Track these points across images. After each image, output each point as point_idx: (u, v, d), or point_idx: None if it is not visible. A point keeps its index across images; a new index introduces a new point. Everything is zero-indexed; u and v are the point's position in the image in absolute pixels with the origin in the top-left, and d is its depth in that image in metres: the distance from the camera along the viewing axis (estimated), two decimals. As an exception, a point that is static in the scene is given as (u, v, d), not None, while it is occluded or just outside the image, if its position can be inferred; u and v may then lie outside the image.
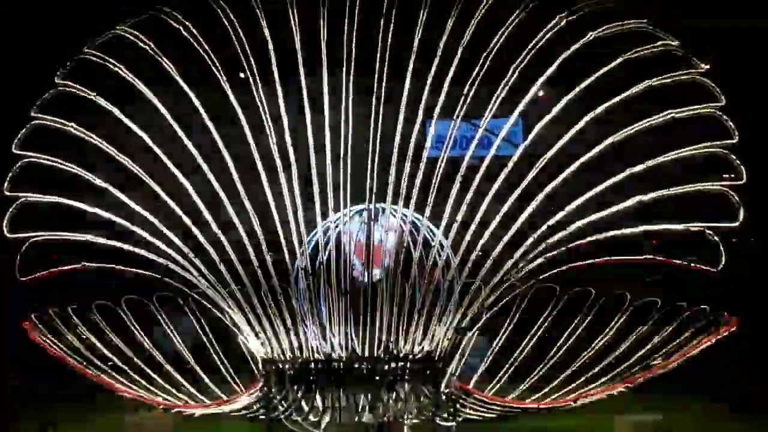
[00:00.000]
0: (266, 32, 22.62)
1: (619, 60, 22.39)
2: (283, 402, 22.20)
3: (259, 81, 22.49)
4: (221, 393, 23.20)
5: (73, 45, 24.17)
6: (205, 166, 22.43)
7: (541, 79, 22.48)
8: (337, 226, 22.63)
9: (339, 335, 22.08)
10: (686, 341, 22.72)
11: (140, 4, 24.00)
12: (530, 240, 22.29)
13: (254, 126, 22.47)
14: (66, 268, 22.96)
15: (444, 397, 22.38)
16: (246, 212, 22.18)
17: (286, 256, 22.20)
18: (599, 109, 22.25)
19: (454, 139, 22.62)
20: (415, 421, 22.49)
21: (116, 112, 22.81)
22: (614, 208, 22.32)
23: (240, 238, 22.19)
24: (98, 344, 23.29)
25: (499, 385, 23.53)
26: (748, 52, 28.86)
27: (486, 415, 22.98)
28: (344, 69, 22.50)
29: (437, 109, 22.23)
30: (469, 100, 22.30)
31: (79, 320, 23.63)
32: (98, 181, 22.74)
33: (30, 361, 25.66)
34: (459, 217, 22.23)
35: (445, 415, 22.49)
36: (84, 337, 23.28)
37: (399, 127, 22.23)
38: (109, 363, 23.17)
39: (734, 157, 22.23)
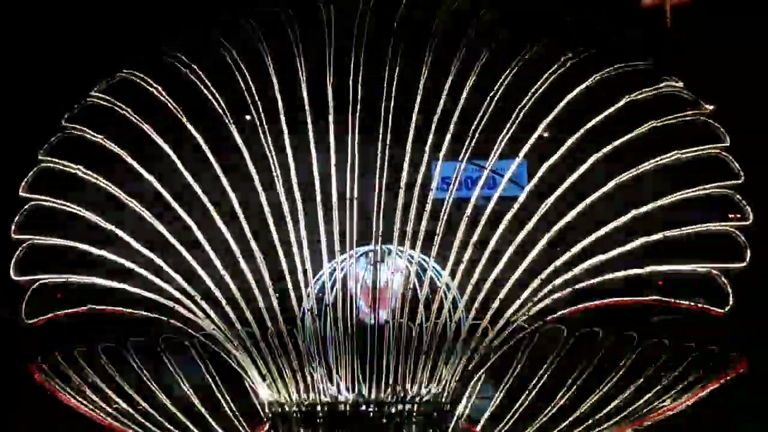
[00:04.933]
0: (275, 83, 22.94)
1: (624, 101, 22.59)
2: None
3: (266, 126, 22.69)
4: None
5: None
6: (212, 208, 22.52)
7: (546, 121, 22.67)
8: (343, 268, 22.52)
9: (346, 378, 22.00)
10: (695, 382, 22.58)
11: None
12: (537, 281, 22.28)
13: (261, 169, 22.61)
14: (72, 311, 22.91)
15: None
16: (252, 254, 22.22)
17: (293, 297, 22.17)
18: (605, 150, 22.42)
19: (460, 181, 22.71)
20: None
21: (127, 157, 22.98)
22: (620, 249, 22.33)
23: (247, 281, 22.20)
24: (105, 388, 23.09)
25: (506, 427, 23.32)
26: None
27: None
28: (350, 110, 22.69)
29: (443, 151, 22.37)
30: (473, 142, 22.47)
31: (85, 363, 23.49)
32: (104, 223, 22.79)
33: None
34: (465, 258, 22.20)
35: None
36: (90, 380, 23.11)
37: (405, 166, 22.35)
38: (115, 406, 23.00)
39: (739, 197, 22.33)
